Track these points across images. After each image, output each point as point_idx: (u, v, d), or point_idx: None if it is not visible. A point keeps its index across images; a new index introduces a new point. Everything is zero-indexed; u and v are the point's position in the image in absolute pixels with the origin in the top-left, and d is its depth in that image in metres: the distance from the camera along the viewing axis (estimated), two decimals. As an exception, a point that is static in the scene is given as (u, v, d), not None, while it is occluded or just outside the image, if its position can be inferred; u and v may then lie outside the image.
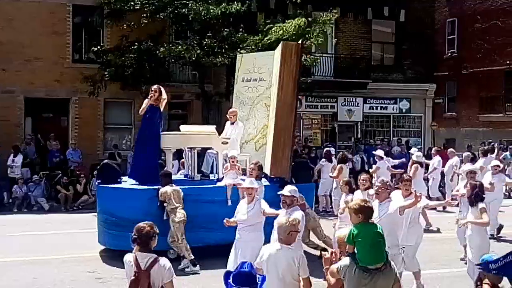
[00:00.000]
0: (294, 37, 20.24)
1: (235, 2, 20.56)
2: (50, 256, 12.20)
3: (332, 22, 23.07)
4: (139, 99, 22.96)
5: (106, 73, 21.27)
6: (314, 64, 23.17)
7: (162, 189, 11.25)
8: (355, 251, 5.94)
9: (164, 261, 5.92)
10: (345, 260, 5.99)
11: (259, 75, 13.78)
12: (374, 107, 27.61)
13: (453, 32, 35.50)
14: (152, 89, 12.30)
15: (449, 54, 35.21)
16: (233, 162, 11.97)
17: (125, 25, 21.52)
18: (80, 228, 15.10)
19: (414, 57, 28.09)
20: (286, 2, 23.34)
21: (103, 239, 12.22)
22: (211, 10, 20.02)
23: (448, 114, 35.08)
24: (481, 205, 9.19)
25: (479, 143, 27.21)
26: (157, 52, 20.35)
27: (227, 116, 13.62)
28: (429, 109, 28.76)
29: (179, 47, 20.21)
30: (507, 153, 24.50)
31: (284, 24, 20.42)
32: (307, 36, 20.65)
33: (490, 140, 27.12)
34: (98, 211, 12.45)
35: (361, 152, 23.42)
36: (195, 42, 20.86)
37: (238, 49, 20.27)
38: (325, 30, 21.74)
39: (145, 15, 21.16)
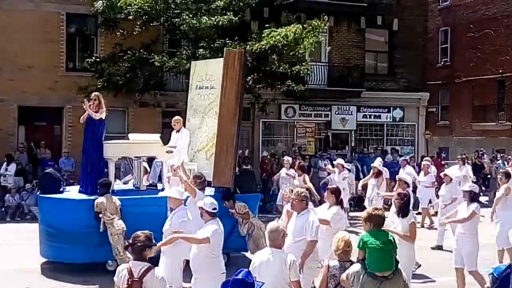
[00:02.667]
0: (291, 44, 20.30)
1: (228, 13, 20.54)
2: (43, 265, 12.09)
3: (323, 30, 23.04)
4: (132, 107, 23.07)
5: (100, 82, 21.22)
6: (307, 72, 23.18)
7: (98, 200, 11.06)
8: (365, 257, 6.01)
9: (158, 271, 5.91)
10: (355, 267, 6.06)
11: (210, 83, 13.46)
12: (368, 116, 27.62)
13: (446, 41, 35.74)
14: (92, 97, 12.16)
15: (442, 63, 35.42)
16: (174, 170, 11.70)
17: (118, 33, 21.52)
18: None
19: (407, 66, 28.14)
20: (280, 11, 23.38)
21: (42, 251, 11.98)
22: (204, 22, 19.98)
23: (441, 123, 35.24)
24: (410, 218, 9.01)
25: (472, 151, 27.31)
26: (150, 63, 20.33)
27: (172, 124, 13.43)
28: (422, 118, 28.78)
29: (171, 61, 20.13)
30: (500, 161, 24.55)
31: (281, 30, 20.40)
32: (300, 44, 20.67)
33: (482, 148, 27.24)
34: (39, 221, 12.22)
35: (355, 161, 23.41)
36: (188, 52, 20.85)
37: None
38: (317, 37, 21.68)
39: (138, 23, 21.16)
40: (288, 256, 6.51)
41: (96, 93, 12.44)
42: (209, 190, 11.96)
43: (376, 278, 5.90)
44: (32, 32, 21.92)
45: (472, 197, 10.23)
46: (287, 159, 18.31)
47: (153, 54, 20.81)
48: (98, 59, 22.20)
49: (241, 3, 21.09)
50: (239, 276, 5.73)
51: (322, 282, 6.46)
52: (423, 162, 17.92)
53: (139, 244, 5.97)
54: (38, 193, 12.49)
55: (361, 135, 27.70)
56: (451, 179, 14.22)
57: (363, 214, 6.49)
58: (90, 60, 22.13)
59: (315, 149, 26.45)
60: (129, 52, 21.00)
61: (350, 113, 27.07)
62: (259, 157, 24.24)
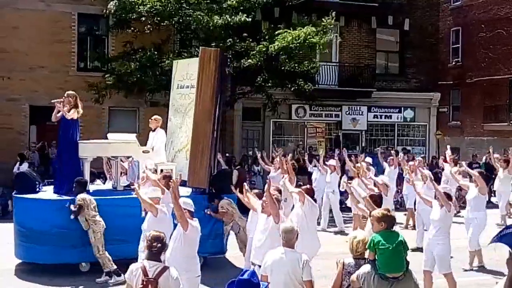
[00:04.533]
0: (304, 44, 20.29)
1: (240, 13, 20.55)
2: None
3: (332, 26, 22.95)
4: (143, 107, 23.12)
5: (109, 81, 21.29)
6: (316, 70, 23.10)
7: (80, 195, 10.92)
8: (376, 258, 5.99)
9: (172, 271, 5.89)
10: (365, 267, 6.04)
11: (191, 82, 13.21)
12: (379, 116, 27.55)
13: (457, 41, 35.55)
14: (67, 94, 12.05)
15: (453, 63, 35.24)
16: (144, 172, 11.57)
17: (129, 31, 21.57)
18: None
19: (418, 66, 28.07)
20: (291, 11, 23.36)
21: (16, 251, 11.82)
22: (215, 21, 20.00)
23: (452, 123, 35.06)
24: None
25: (484, 152, 27.13)
26: (161, 63, 20.38)
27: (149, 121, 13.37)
28: (434, 118, 28.67)
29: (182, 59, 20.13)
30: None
31: (294, 31, 20.39)
32: (313, 45, 20.65)
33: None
34: (14, 222, 12.04)
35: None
36: (199, 52, 20.82)
37: (244, 58, 20.28)
38: (328, 36, 21.64)
39: (149, 22, 21.19)
40: (301, 256, 6.54)
41: (71, 92, 12.25)
42: (185, 190, 11.95)
43: (387, 279, 5.90)
44: (43, 32, 22.05)
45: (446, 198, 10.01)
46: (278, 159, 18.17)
47: (163, 54, 20.84)
48: (108, 57, 22.30)
49: (252, 2, 21.05)
50: (245, 276, 5.73)
51: (337, 280, 6.45)
52: (410, 162, 17.70)
53: (160, 245, 5.95)
54: (13, 193, 12.34)
55: (371, 135, 27.64)
56: (430, 178, 13.96)
57: (377, 214, 6.41)
58: (98, 54, 22.19)
59: (325, 149, 26.39)
60: (139, 51, 21.06)
61: (360, 113, 27.02)
62: (270, 157, 24.19)
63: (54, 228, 11.07)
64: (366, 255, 6.35)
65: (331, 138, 27.20)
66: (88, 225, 10.85)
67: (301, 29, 20.37)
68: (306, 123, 26.54)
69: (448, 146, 19.19)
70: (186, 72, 13.62)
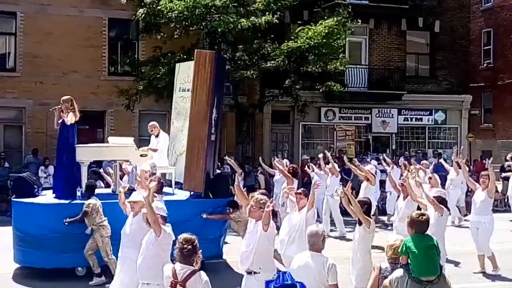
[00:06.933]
0: (324, 40, 20.29)
1: (267, 13, 20.57)
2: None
3: (359, 24, 22.97)
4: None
5: (140, 86, 21.48)
6: (345, 67, 22.98)
7: (89, 201, 10.82)
8: (409, 262, 5.99)
9: (202, 275, 5.88)
10: (398, 272, 6.04)
11: (192, 85, 12.88)
12: (409, 119, 27.34)
13: (488, 42, 35.11)
14: (62, 101, 12.02)
15: (484, 65, 34.81)
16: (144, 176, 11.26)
17: (159, 36, 21.75)
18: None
19: (449, 68, 27.82)
20: (319, 13, 23.34)
21: (15, 256, 11.69)
22: (241, 22, 20.05)
23: (484, 126, 34.61)
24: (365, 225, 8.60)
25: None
26: None
27: (149, 130, 13.31)
28: (465, 121, 28.36)
29: None
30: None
31: (313, 27, 20.45)
32: (335, 37, 20.63)
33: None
34: (12, 226, 11.88)
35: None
36: (227, 55, 20.94)
37: (269, 60, 20.32)
38: (346, 28, 21.63)
39: (178, 27, 21.32)
40: (327, 260, 6.57)
41: (66, 97, 12.22)
42: (184, 194, 11.83)
43: (421, 282, 5.89)
44: (75, 37, 22.34)
45: (440, 203, 9.82)
46: (284, 162, 17.98)
47: (193, 57, 20.93)
48: (138, 61, 22.51)
49: (279, 4, 21.07)
50: (288, 282, 5.75)
51: (373, 284, 6.46)
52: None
53: (191, 247, 5.93)
54: (12, 197, 12.31)
55: (402, 138, 27.44)
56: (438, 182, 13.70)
57: (407, 218, 6.45)
58: (129, 58, 22.38)
59: (355, 153, 26.29)
60: (169, 55, 21.21)
61: (391, 116, 26.85)
62: (299, 161, 24.20)
63: (51, 233, 11.01)
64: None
65: (361, 141, 27.07)
66: (94, 230, 10.75)
67: (321, 23, 20.43)
68: (335, 126, 26.46)
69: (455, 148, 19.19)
70: (187, 75, 13.35)
